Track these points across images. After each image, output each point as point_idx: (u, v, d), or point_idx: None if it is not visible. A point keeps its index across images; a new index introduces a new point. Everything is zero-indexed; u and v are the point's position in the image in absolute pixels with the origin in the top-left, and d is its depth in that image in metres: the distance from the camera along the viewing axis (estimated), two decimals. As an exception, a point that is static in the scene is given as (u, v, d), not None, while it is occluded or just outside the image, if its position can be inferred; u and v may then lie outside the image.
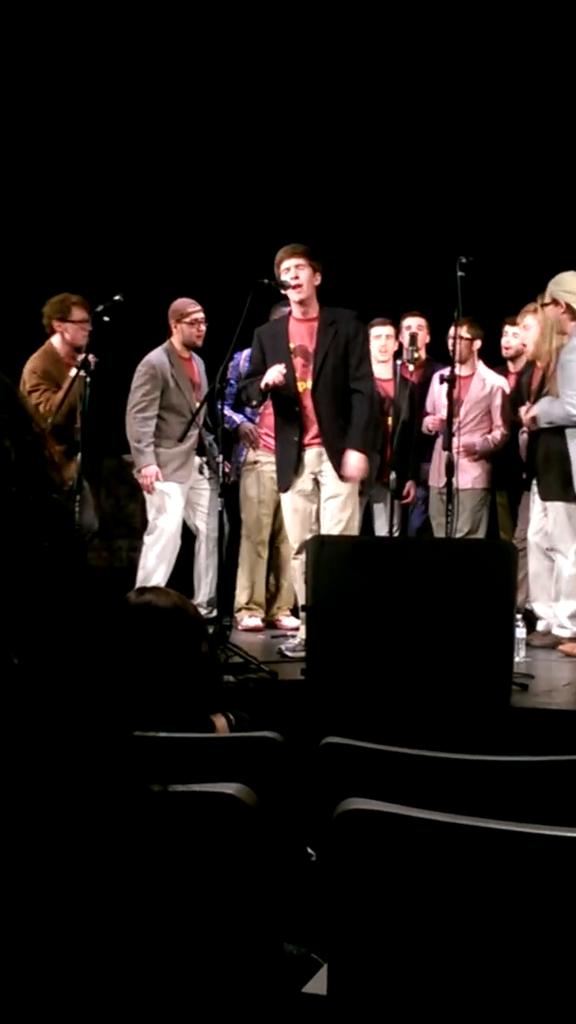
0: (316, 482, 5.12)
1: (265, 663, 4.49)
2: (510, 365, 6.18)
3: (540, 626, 5.59)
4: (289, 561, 5.63)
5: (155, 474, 5.58)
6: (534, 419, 5.23)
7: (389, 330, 6.15)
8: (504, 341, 6.17)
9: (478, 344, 5.94)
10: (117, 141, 7.15)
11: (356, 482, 5.15)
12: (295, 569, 5.27)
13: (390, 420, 6.09)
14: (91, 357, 5.18)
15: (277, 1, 7.00)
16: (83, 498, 5.24)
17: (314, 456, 5.09)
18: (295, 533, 5.21)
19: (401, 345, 6.20)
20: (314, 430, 5.08)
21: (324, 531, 4.98)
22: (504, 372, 6.17)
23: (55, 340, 5.61)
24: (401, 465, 5.73)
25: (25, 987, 0.57)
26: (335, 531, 4.95)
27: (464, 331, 5.60)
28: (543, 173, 6.84)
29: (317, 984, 1.80)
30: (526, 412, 5.38)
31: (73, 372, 5.26)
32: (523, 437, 5.73)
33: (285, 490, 5.19)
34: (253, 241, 6.26)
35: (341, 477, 5.03)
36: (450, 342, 6.00)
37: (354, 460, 5.01)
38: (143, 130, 7.19)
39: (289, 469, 5.14)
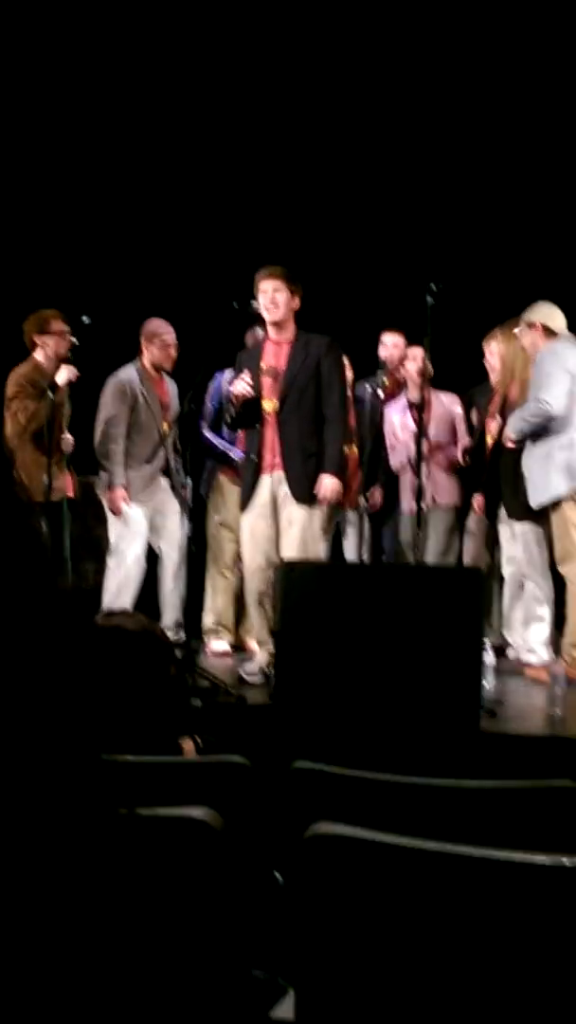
0: (276, 506, 4.96)
1: (233, 687, 4.50)
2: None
3: (510, 653, 5.60)
4: None
5: (122, 496, 5.56)
6: (511, 439, 5.27)
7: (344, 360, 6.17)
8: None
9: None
10: (92, 164, 7.17)
11: (319, 508, 4.93)
12: (249, 593, 5.11)
13: (352, 448, 6.15)
14: (71, 371, 5.35)
15: (251, 30, 7.05)
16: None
17: (275, 480, 4.94)
18: (248, 555, 5.03)
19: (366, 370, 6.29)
20: (276, 453, 4.95)
21: (284, 556, 4.83)
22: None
23: (38, 355, 5.56)
24: (368, 482, 5.81)
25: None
26: (294, 557, 4.80)
27: (419, 354, 5.69)
28: (512, 200, 6.93)
29: (285, 1009, 1.78)
30: (504, 436, 5.40)
31: (59, 379, 5.36)
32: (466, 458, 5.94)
33: (243, 509, 5.04)
34: (226, 262, 6.28)
35: (306, 500, 4.88)
36: (401, 369, 6.12)
37: (325, 483, 4.89)
38: (119, 153, 7.20)
39: (248, 490, 5.01)
